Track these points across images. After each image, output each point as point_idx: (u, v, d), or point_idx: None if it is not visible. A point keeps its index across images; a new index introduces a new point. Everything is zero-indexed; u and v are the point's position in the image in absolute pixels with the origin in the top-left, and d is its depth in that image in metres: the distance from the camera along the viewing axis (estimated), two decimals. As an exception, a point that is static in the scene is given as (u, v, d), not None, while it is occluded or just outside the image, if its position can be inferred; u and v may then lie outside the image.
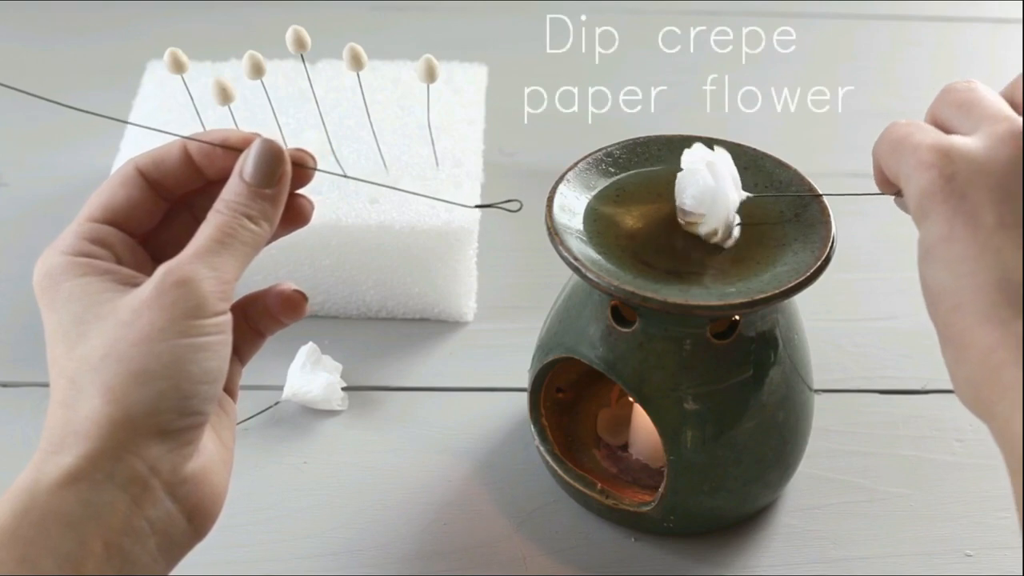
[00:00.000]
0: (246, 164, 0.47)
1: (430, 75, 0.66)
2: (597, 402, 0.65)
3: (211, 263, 0.44)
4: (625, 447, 0.63)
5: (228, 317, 0.45)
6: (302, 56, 0.66)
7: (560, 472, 0.61)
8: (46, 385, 0.68)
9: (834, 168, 0.85)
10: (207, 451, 0.45)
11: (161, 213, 0.49)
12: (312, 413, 0.67)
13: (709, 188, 0.54)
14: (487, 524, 0.61)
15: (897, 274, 0.77)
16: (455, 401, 0.68)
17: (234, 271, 0.45)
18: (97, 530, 0.41)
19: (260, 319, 0.50)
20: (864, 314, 0.74)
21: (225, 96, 0.63)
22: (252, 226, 0.46)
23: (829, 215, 0.55)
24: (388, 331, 0.72)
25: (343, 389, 0.67)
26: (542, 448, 0.62)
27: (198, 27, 0.98)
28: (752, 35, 1.02)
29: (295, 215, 0.49)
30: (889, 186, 0.48)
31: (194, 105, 0.69)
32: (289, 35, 0.65)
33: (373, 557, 0.59)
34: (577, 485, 0.60)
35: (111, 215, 0.47)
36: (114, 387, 0.42)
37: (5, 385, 0.68)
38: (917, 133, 0.45)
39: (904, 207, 0.49)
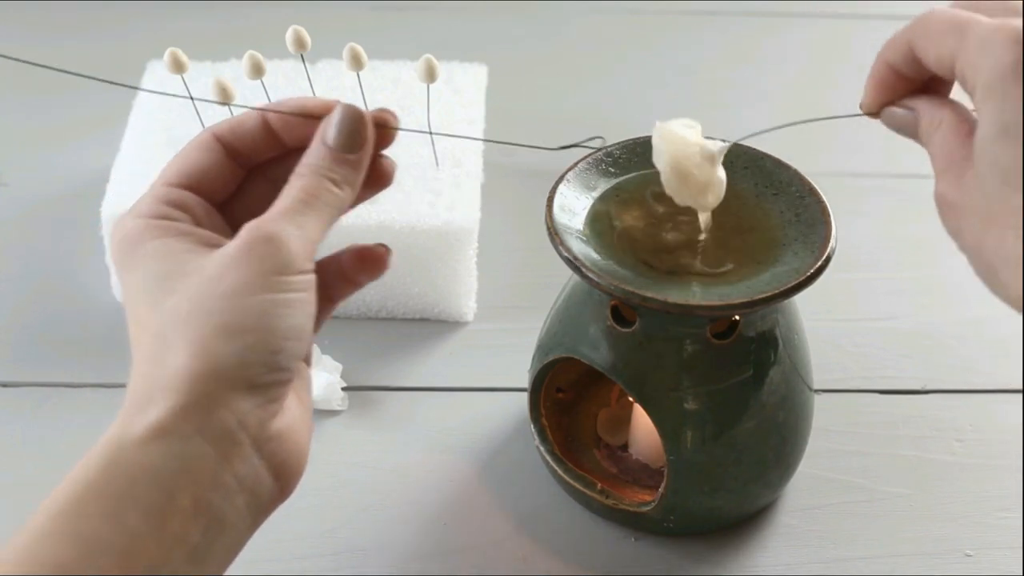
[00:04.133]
0: (328, 130, 0.46)
1: (430, 75, 0.66)
2: (597, 402, 0.65)
3: (297, 222, 0.44)
4: (625, 447, 0.63)
5: (313, 277, 0.45)
6: (302, 56, 0.66)
7: (560, 472, 0.61)
8: (46, 385, 0.69)
9: (834, 168, 0.85)
10: (291, 410, 0.45)
11: (237, 180, 0.49)
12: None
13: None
14: (487, 524, 0.61)
15: (897, 274, 0.77)
16: (455, 401, 0.68)
17: (318, 232, 0.45)
18: (185, 485, 0.41)
19: (334, 283, 0.49)
20: (864, 314, 0.74)
21: (225, 96, 0.63)
22: (336, 190, 0.46)
23: (829, 215, 0.55)
24: (388, 331, 0.72)
25: (343, 389, 0.67)
26: (542, 448, 0.62)
27: (198, 27, 0.98)
28: (752, 35, 1.02)
29: (377, 177, 0.49)
30: (886, 94, 0.48)
31: (194, 105, 0.69)
32: (289, 35, 0.65)
33: (373, 557, 0.59)
34: (577, 485, 0.60)
35: (188, 180, 0.47)
36: (202, 340, 0.42)
37: (5, 385, 0.68)
38: (978, 16, 0.43)
39: (895, 126, 0.48)
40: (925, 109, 0.47)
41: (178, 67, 0.63)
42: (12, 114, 0.89)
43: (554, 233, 0.54)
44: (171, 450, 0.41)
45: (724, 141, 0.54)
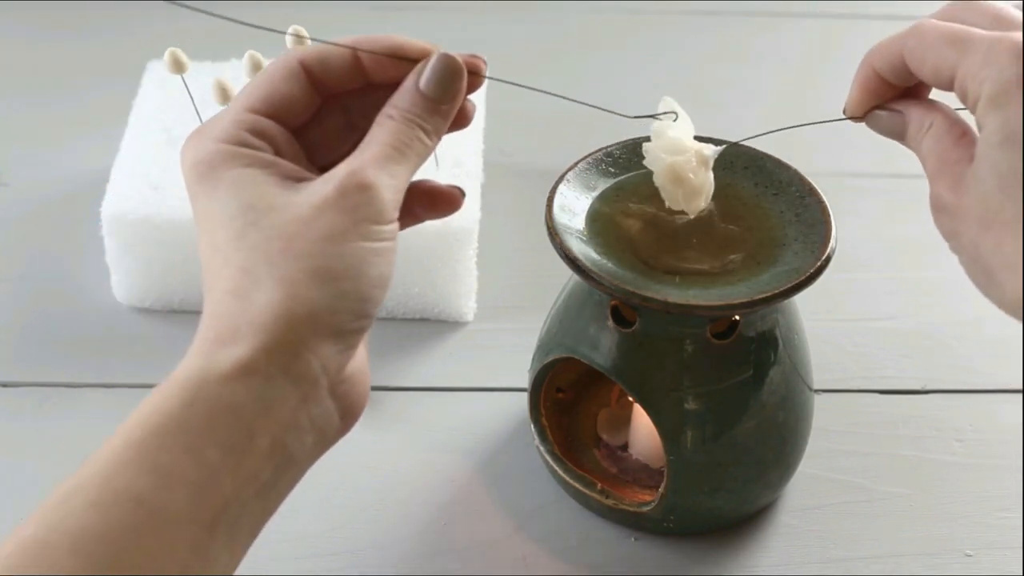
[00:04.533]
0: (425, 77, 0.46)
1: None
2: (597, 402, 0.65)
3: (390, 171, 0.44)
4: (625, 447, 0.63)
5: (397, 225, 0.45)
6: (302, 56, 0.66)
7: (560, 472, 0.61)
8: (46, 385, 0.69)
9: (834, 168, 0.85)
10: (360, 353, 0.45)
11: (315, 108, 0.48)
12: (312, 413, 0.67)
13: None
14: (487, 524, 0.61)
15: (897, 274, 0.77)
16: (455, 401, 0.68)
17: (406, 181, 0.45)
18: (265, 424, 0.41)
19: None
20: (864, 314, 0.74)
21: (225, 96, 0.63)
22: (426, 139, 0.46)
23: (829, 215, 0.55)
24: (388, 331, 0.72)
25: (343, 389, 0.67)
26: (542, 448, 0.62)
27: (198, 27, 0.97)
28: (751, 34, 1.02)
29: (459, 118, 0.48)
30: (871, 99, 0.49)
31: (194, 105, 0.69)
32: (289, 35, 0.65)
33: (373, 557, 0.59)
34: (577, 485, 0.60)
35: (271, 108, 0.46)
36: (296, 282, 0.41)
37: (5, 385, 0.68)
38: (973, 29, 0.45)
39: (882, 129, 0.49)
40: (914, 112, 0.48)
41: (178, 67, 0.63)
42: (12, 114, 0.89)
43: (554, 233, 0.54)
44: (255, 390, 0.41)
45: (715, 143, 0.54)
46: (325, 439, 0.44)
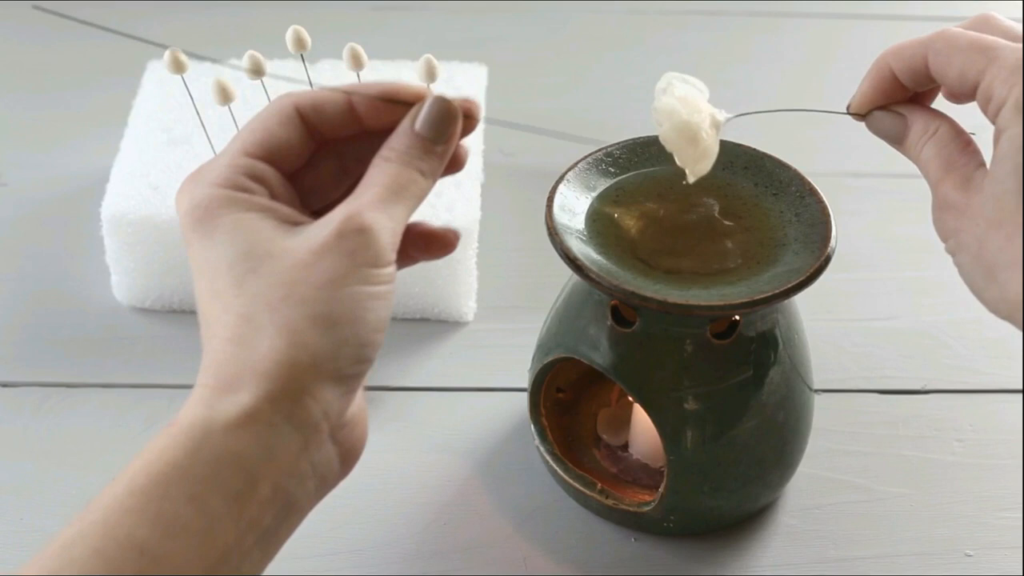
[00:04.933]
0: (421, 119, 0.46)
1: (430, 75, 0.66)
2: (597, 402, 0.65)
3: (388, 213, 0.44)
4: (625, 447, 0.63)
5: (395, 268, 0.45)
6: (302, 56, 0.66)
7: (560, 472, 0.61)
8: (46, 385, 0.69)
9: (834, 168, 0.85)
10: (358, 396, 0.46)
11: (310, 153, 0.48)
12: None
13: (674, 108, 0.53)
14: (487, 524, 0.61)
15: (897, 274, 0.77)
16: (455, 401, 0.68)
17: (403, 223, 0.45)
18: (268, 471, 0.41)
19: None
20: (864, 314, 0.74)
21: (225, 96, 0.63)
22: (422, 181, 0.46)
23: (829, 215, 0.55)
24: (388, 331, 0.72)
25: (343, 389, 0.67)
26: (542, 448, 0.62)
27: (198, 27, 0.98)
28: (751, 34, 1.02)
29: (452, 162, 0.49)
30: (879, 98, 0.50)
31: (194, 105, 0.69)
32: (289, 35, 0.65)
33: (373, 557, 0.59)
34: (577, 485, 0.60)
35: (267, 152, 0.46)
36: (298, 329, 0.42)
37: (5, 385, 0.68)
38: (1001, 41, 0.46)
39: (881, 130, 0.50)
40: (918, 117, 0.49)
41: (178, 67, 0.63)
42: (12, 114, 0.89)
43: (554, 233, 0.54)
44: (258, 437, 0.41)
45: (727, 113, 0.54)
46: (325, 484, 0.45)
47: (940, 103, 0.51)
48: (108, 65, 0.93)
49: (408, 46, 0.86)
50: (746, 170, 0.58)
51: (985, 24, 0.48)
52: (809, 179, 0.57)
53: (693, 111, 0.53)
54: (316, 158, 0.48)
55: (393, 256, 0.44)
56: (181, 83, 0.66)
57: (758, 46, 1.01)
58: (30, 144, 0.86)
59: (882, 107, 0.50)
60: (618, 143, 0.59)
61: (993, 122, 0.45)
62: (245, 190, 0.45)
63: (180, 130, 0.75)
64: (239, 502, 0.40)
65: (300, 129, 0.47)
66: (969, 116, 0.50)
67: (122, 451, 0.64)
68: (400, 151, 0.46)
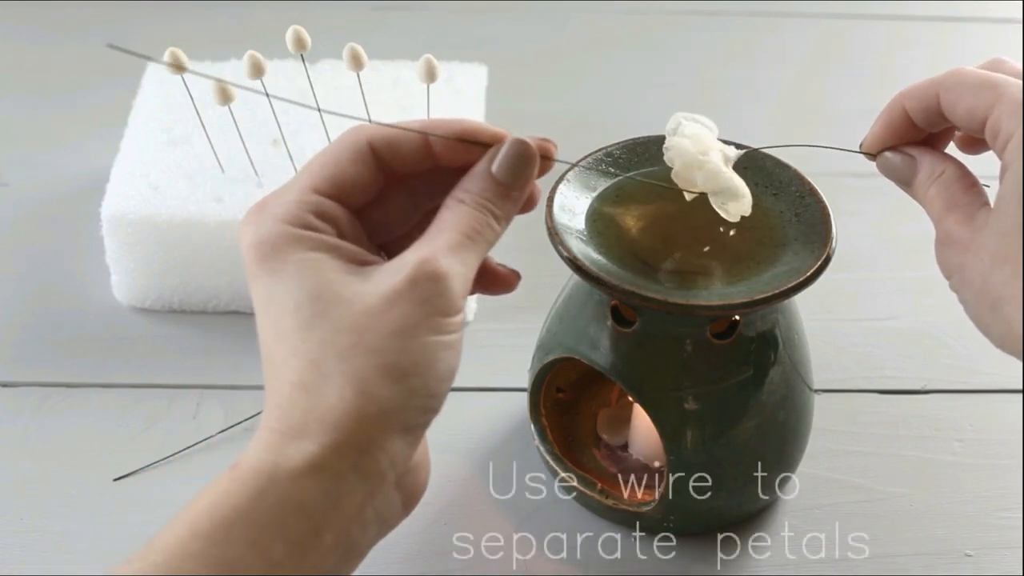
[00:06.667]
0: (498, 162, 0.46)
1: (430, 75, 0.66)
2: (597, 402, 0.65)
3: (461, 258, 0.44)
4: (625, 447, 0.63)
5: (463, 315, 0.44)
6: (302, 56, 0.66)
7: (560, 472, 0.61)
8: (46, 385, 0.69)
9: (834, 168, 0.85)
10: (423, 443, 0.45)
11: (379, 189, 0.47)
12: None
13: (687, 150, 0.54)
14: (487, 524, 0.61)
15: (897, 274, 0.77)
16: (455, 401, 0.67)
17: (475, 269, 0.45)
18: (332, 520, 0.41)
19: None
20: (864, 314, 0.74)
21: (225, 96, 0.63)
22: (496, 226, 0.45)
23: (829, 215, 0.55)
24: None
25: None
26: (542, 448, 0.62)
27: (198, 27, 0.98)
28: (752, 34, 1.02)
29: (526, 203, 0.48)
30: (892, 138, 0.51)
31: (194, 105, 0.69)
32: (289, 35, 0.65)
33: (373, 557, 0.59)
34: (577, 485, 0.60)
35: (336, 189, 0.45)
36: (367, 379, 0.41)
37: (5, 385, 0.68)
38: (1010, 78, 0.46)
39: (891, 171, 0.51)
40: (927, 159, 0.50)
41: (178, 67, 0.63)
42: (12, 114, 0.89)
43: (554, 233, 0.54)
44: (324, 486, 0.41)
45: (737, 147, 0.55)
46: (387, 526, 0.44)
47: (955, 155, 0.51)
48: (108, 65, 0.93)
49: (408, 46, 0.86)
50: (746, 170, 0.58)
51: (997, 67, 0.48)
52: (809, 179, 0.57)
53: (703, 151, 0.53)
54: (385, 193, 0.47)
55: (463, 304, 0.44)
56: (181, 83, 0.66)
57: (759, 46, 1.01)
58: (30, 144, 0.86)
59: (893, 148, 0.51)
60: (618, 143, 0.59)
61: (1000, 157, 0.45)
62: (312, 228, 0.44)
63: (180, 130, 0.75)
64: (301, 549, 0.40)
65: (372, 165, 0.46)
66: (983, 166, 0.50)
67: (122, 451, 0.64)
68: (475, 194, 0.45)
